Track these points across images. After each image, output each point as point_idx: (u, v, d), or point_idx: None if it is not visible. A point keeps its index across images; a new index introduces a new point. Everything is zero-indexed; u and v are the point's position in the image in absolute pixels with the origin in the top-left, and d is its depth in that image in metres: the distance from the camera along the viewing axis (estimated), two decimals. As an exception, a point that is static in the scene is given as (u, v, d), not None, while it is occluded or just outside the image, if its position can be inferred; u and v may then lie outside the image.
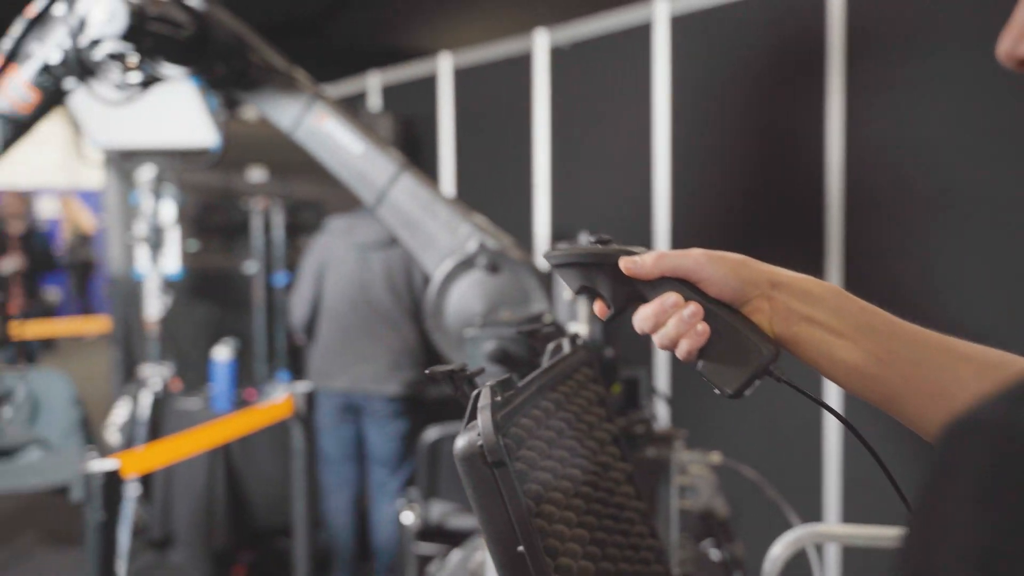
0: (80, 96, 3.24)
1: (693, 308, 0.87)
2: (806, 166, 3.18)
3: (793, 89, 3.25)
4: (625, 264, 0.90)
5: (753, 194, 3.38)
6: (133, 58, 2.13)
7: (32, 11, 2.18)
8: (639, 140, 3.67)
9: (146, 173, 4.12)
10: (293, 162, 4.72)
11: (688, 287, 0.89)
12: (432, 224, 2.24)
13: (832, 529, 1.87)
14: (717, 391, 0.88)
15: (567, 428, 1.07)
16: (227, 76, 2.32)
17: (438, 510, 3.13)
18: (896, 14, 2.97)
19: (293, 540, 3.53)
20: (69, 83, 2.20)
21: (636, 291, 0.91)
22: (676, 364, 3.52)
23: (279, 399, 3.50)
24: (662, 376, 3.59)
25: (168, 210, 4.18)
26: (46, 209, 12.42)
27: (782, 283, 0.88)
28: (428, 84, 4.82)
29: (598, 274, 0.93)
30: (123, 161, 4.42)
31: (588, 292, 0.94)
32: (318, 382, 3.72)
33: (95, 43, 2.07)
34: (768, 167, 3.36)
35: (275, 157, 4.68)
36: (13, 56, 2.20)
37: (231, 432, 3.27)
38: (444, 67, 4.69)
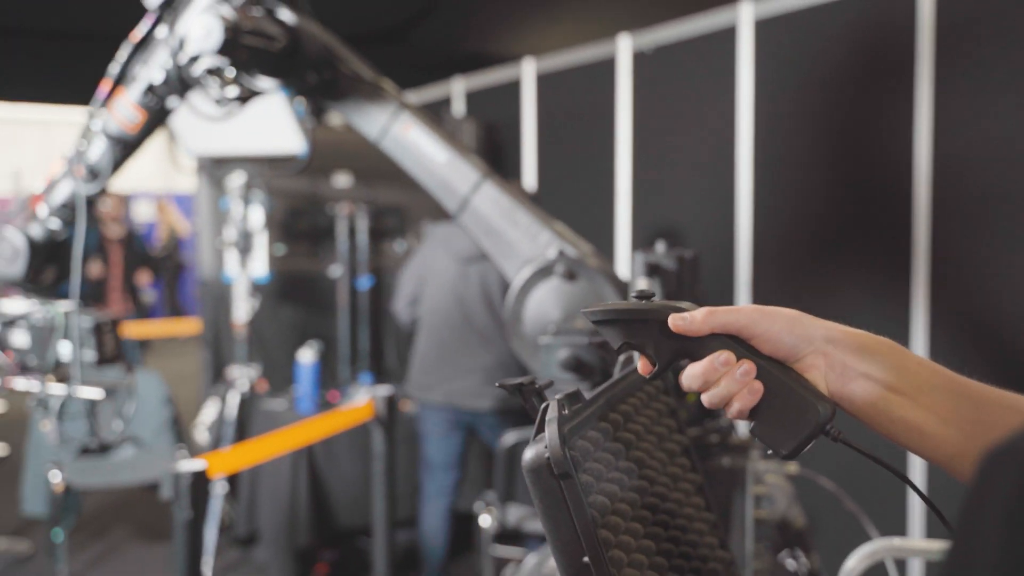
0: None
1: (746, 367, 0.84)
2: (893, 171, 3.11)
3: (880, 92, 3.19)
4: (674, 321, 0.87)
5: (838, 199, 3.32)
6: (229, 72, 2.20)
7: (136, 35, 2.27)
8: (722, 145, 3.64)
9: (236, 179, 4.23)
10: (378, 168, 4.79)
11: (740, 344, 0.86)
12: (513, 231, 2.26)
13: (910, 543, 1.82)
14: (771, 452, 0.86)
15: (635, 440, 1.07)
16: (317, 86, 2.37)
17: (515, 514, 3.15)
18: (987, 14, 2.89)
19: (373, 540, 3.59)
20: (172, 101, 2.28)
21: (683, 347, 0.89)
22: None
23: (361, 402, 3.56)
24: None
25: (257, 215, 4.27)
26: (142, 213, 12.82)
27: (837, 339, 0.85)
28: (512, 89, 4.85)
29: (642, 330, 0.91)
30: (214, 168, 4.54)
31: (632, 348, 0.92)
32: (417, 393, 3.76)
33: (194, 59, 2.14)
34: (854, 172, 3.29)
35: (360, 163, 4.76)
36: (120, 79, 2.30)
37: (314, 433, 3.33)
38: (528, 72, 4.71)
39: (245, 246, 4.23)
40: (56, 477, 3.91)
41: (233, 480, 4.12)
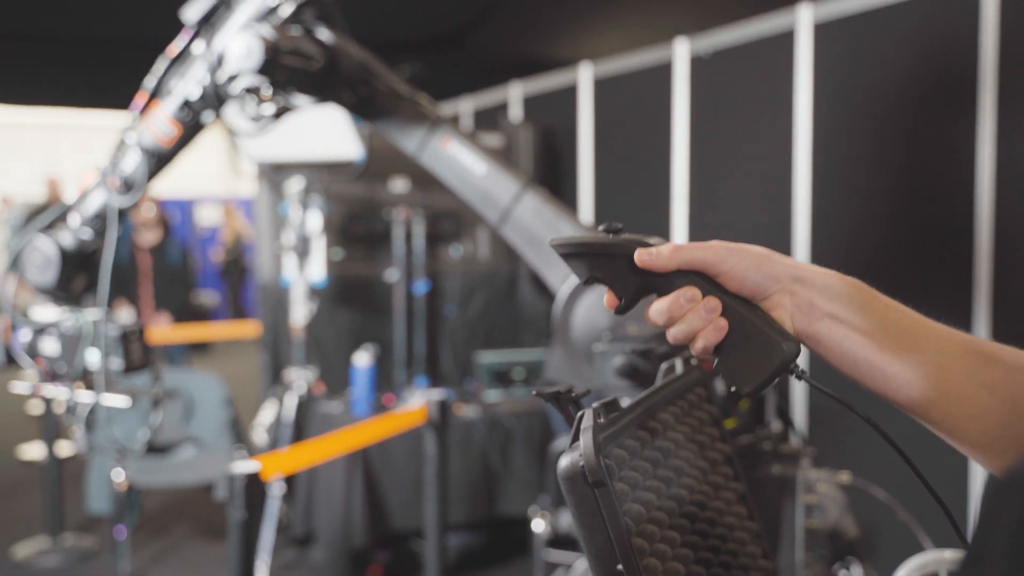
0: (235, 114, 3.40)
1: (712, 303, 0.84)
2: (954, 177, 3.05)
3: (942, 99, 3.13)
4: (640, 256, 0.86)
5: (896, 207, 3.27)
6: (267, 91, 2.22)
7: (173, 50, 2.31)
8: (780, 151, 3.60)
9: (295, 185, 4.29)
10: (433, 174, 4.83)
11: (706, 280, 0.85)
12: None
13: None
14: (733, 389, 0.85)
15: (675, 448, 1.06)
16: (353, 104, 2.39)
17: (567, 519, 3.14)
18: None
19: (425, 543, 3.61)
20: (207, 116, 2.31)
21: (650, 283, 0.88)
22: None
23: (415, 405, 3.58)
24: (798, 393, 3.50)
25: (315, 220, 4.33)
26: (206, 217, 13.06)
27: (805, 278, 0.84)
28: (568, 94, 4.85)
29: (609, 264, 0.89)
30: (274, 173, 4.61)
31: (597, 282, 0.91)
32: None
33: (232, 77, 2.17)
34: (913, 181, 3.24)
35: (417, 169, 4.75)
36: (156, 92, 2.34)
37: (369, 436, 3.36)
38: (584, 77, 4.71)
39: (303, 250, 4.29)
40: (119, 476, 4.00)
41: (290, 481, 4.17)
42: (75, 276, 2.45)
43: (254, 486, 2.40)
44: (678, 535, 0.97)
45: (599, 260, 0.90)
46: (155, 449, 4.32)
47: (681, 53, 4.08)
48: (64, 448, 5.12)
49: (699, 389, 1.23)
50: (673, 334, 0.86)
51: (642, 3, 5.84)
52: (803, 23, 3.49)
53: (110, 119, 15.88)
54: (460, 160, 2.34)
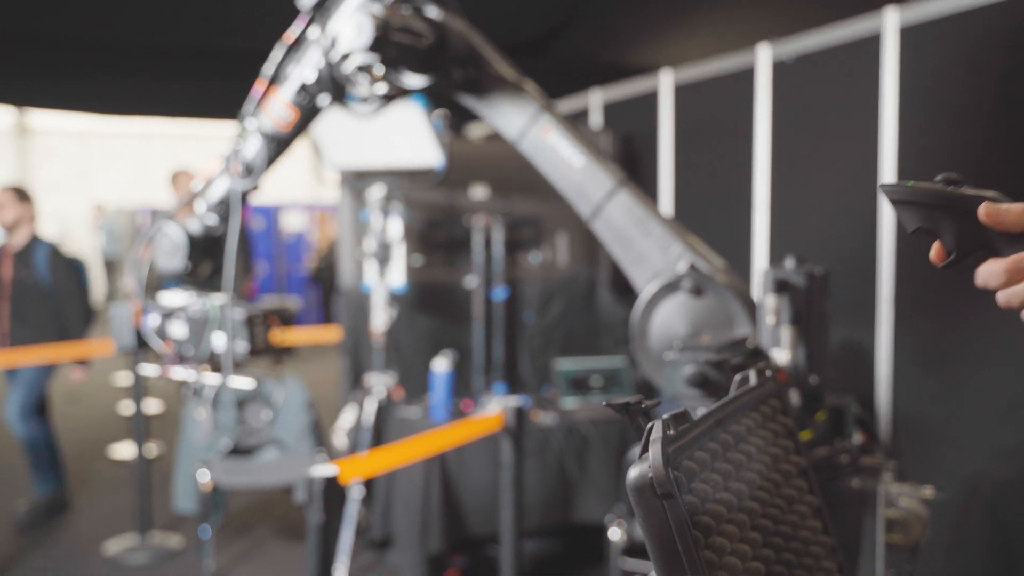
0: (321, 123, 3.46)
1: None
2: (1048, 185, 2.96)
3: (1034, 102, 3.03)
4: (988, 211, 0.83)
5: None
6: (378, 70, 2.27)
7: (289, 36, 2.38)
8: (865, 158, 3.53)
9: (376, 192, 4.34)
10: (513, 180, 4.86)
11: None
12: (644, 242, 2.25)
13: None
14: None
15: (747, 461, 1.05)
16: (461, 83, 2.42)
17: (644, 529, 3.12)
18: None
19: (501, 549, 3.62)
20: (323, 100, 2.38)
21: (987, 240, 0.84)
22: (898, 393, 3.34)
23: (492, 412, 3.60)
24: (882, 403, 3.42)
25: (395, 226, 4.38)
26: (292, 223, 13.30)
27: None
28: (649, 101, 4.83)
29: (944, 217, 0.86)
30: (355, 181, 4.68)
31: (926, 234, 0.88)
32: None
33: (345, 57, 2.22)
34: (1008, 188, 3.14)
35: (496, 175, 4.82)
36: (274, 79, 2.41)
37: (447, 442, 3.39)
38: (665, 83, 4.68)
39: (384, 257, 4.34)
40: (204, 477, 4.09)
41: (369, 484, 4.22)
42: (201, 261, 2.54)
43: (333, 489, 2.44)
44: (749, 548, 0.96)
45: (935, 211, 0.87)
46: (239, 451, 4.41)
47: (763, 59, 4.03)
48: (152, 449, 5.26)
49: (774, 400, 1.21)
50: (1007, 297, 0.83)
51: (724, 10, 5.79)
52: (889, 27, 3.41)
53: (198, 128, 16.34)
54: (559, 151, 2.35)
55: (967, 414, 3.03)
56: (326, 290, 12.16)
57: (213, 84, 7.50)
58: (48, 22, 5.88)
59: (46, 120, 16.48)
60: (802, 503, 1.15)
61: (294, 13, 2.38)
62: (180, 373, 2.56)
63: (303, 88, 2.36)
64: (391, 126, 4.28)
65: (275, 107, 2.42)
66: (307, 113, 2.43)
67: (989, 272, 0.82)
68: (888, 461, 1.96)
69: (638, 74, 5.01)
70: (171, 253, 2.50)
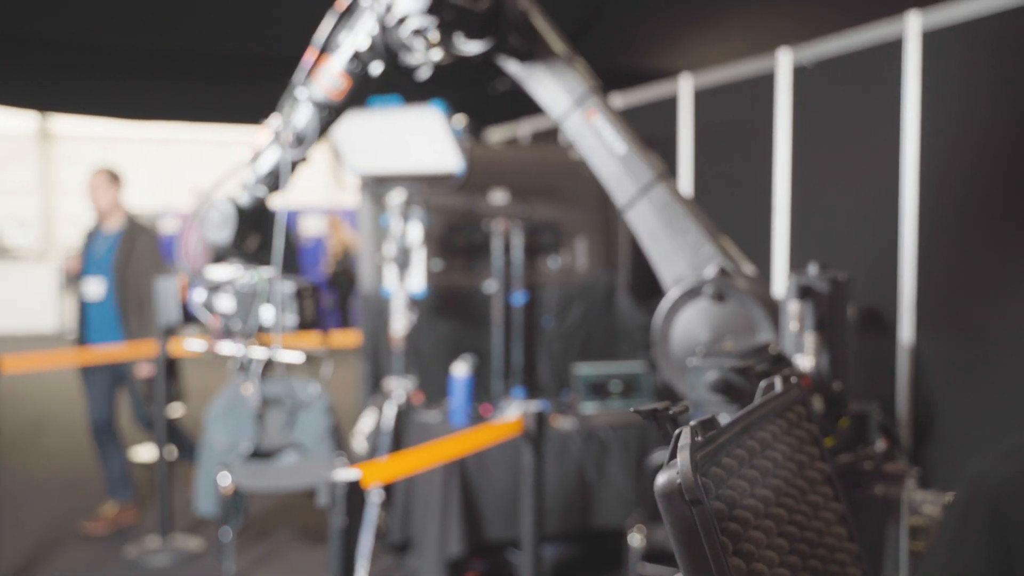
0: (341, 128, 3.46)
1: None
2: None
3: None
4: None
5: (1010, 225, 3.15)
6: (434, 35, 2.24)
7: (341, 4, 2.36)
8: (886, 163, 3.52)
9: (396, 197, 4.35)
10: (533, 185, 4.86)
11: None
12: (676, 239, 2.24)
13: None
14: None
15: (773, 467, 1.05)
16: (513, 52, 2.40)
17: (663, 533, 3.12)
18: None
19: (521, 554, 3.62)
20: (376, 67, 2.35)
21: None
22: (918, 398, 3.32)
23: (512, 416, 3.60)
24: (904, 410, 3.40)
25: (415, 231, 4.39)
26: (310, 227, 13.36)
27: None
28: (668, 105, 4.83)
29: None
30: (375, 186, 4.69)
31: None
32: None
33: (401, 21, 2.20)
34: (1028, 191, 3.12)
35: (516, 180, 4.83)
36: (326, 47, 2.39)
37: (466, 446, 3.40)
38: (684, 88, 4.68)
39: (403, 261, 4.35)
40: (225, 480, 4.11)
41: (388, 488, 4.23)
42: (249, 235, 2.52)
43: (354, 493, 2.44)
44: (776, 555, 0.97)
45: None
46: (259, 454, 4.43)
47: (784, 63, 4.02)
48: (174, 451, 5.29)
49: (799, 407, 1.21)
50: None
51: (744, 14, 5.78)
52: (911, 31, 3.40)
53: (220, 133, 16.42)
54: (602, 135, 2.34)
55: (990, 420, 3.01)
56: (343, 294, 12.19)
57: (234, 89, 7.54)
58: (68, 27, 5.92)
59: (69, 125, 16.62)
60: (827, 510, 1.15)
61: (315, 19, 2.39)
62: (227, 347, 2.55)
63: (356, 55, 2.33)
64: (411, 131, 4.30)
65: (327, 76, 2.38)
66: (360, 81, 2.39)
67: None
68: (911, 468, 1.95)
69: (657, 79, 5.01)
70: (220, 225, 2.48)
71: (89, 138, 16.93)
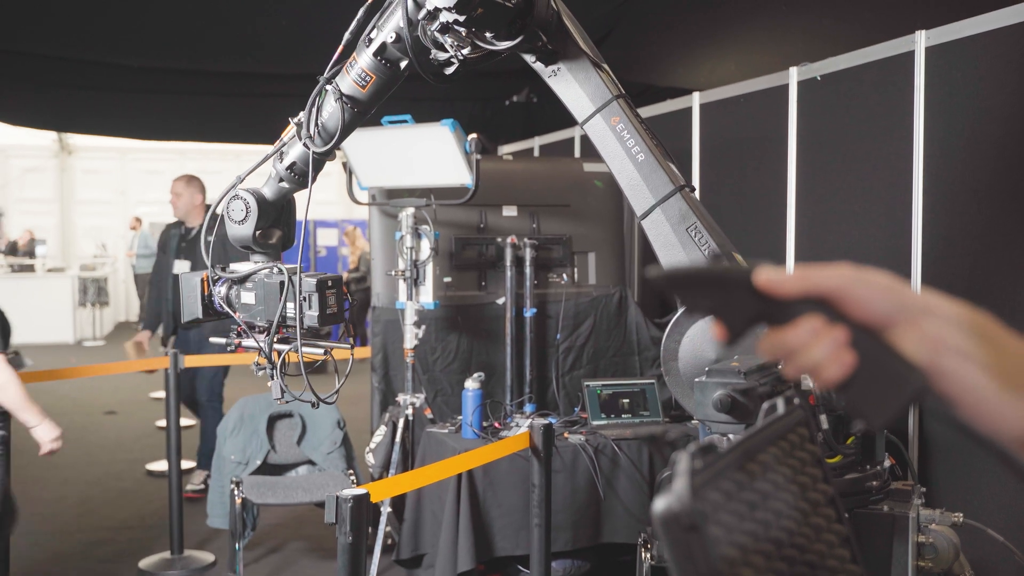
0: (353, 143, 3.45)
1: (838, 334, 0.77)
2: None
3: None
4: (762, 278, 0.78)
5: (1019, 238, 3.14)
6: (463, 31, 2.21)
7: None
8: (896, 175, 3.52)
9: (407, 212, 4.37)
10: (543, 200, 4.87)
11: (829, 309, 0.78)
12: (690, 252, 2.24)
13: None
14: (862, 423, 0.79)
15: (774, 491, 1.06)
16: (541, 52, 2.39)
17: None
18: None
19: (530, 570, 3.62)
20: (404, 63, 2.34)
21: (765, 312, 0.79)
22: (927, 416, 3.31)
23: (521, 431, 3.61)
24: (910, 429, 3.39)
25: (426, 246, 4.41)
26: (324, 238, 13.41)
27: (932, 309, 0.77)
28: (681, 116, 4.84)
29: (719, 293, 0.81)
30: (387, 200, 4.71)
31: (704, 311, 0.84)
32: None
33: (430, 16, 2.18)
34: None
35: (526, 195, 4.84)
36: (354, 43, 2.38)
37: (476, 461, 3.40)
38: (694, 100, 4.69)
39: (414, 275, 4.37)
40: (236, 493, 4.13)
41: (398, 502, 4.24)
42: (272, 228, 2.50)
43: (363, 509, 2.45)
44: (775, 579, 0.97)
45: (707, 288, 0.83)
46: (269, 468, 4.45)
47: (793, 77, 4.03)
48: (187, 465, 5.33)
49: (801, 429, 1.21)
50: (794, 367, 0.80)
51: (754, 33, 5.80)
52: (919, 48, 3.41)
53: (231, 145, 16.53)
54: (624, 141, 2.33)
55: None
56: (354, 307, 12.15)
57: (245, 106, 7.60)
58: (83, 49, 5.99)
59: (86, 138, 16.75)
60: (830, 532, 1.15)
61: (330, 41, 2.39)
62: (249, 342, 2.53)
63: (383, 51, 2.32)
64: (423, 147, 4.32)
65: (354, 71, 2.37)
66: (387, 77, 2.37)
67: (771, 344, 0.79)
68: (918, 486, 1.95)
69: (669, 97, 5.02)
70: (242, 218, 2.47)
71: (106, 149, 17.05)
